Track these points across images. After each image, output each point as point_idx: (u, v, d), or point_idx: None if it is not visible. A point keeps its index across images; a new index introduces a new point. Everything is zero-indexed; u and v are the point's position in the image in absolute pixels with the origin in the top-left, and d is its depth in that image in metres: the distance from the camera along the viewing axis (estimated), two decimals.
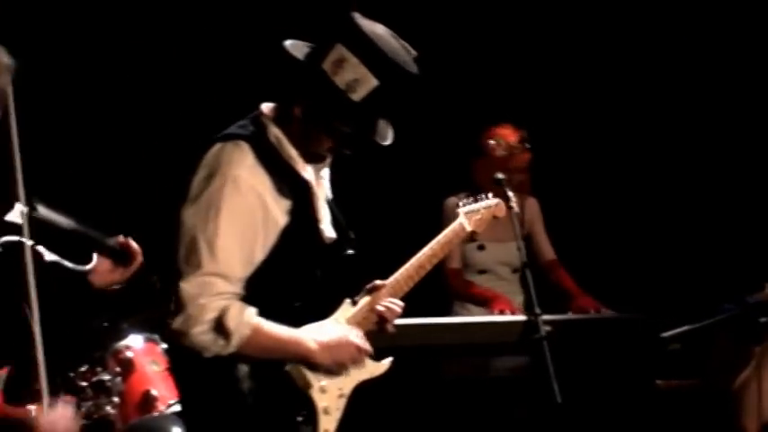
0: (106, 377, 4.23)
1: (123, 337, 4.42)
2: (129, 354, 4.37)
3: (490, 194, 3.87)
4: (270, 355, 3.12)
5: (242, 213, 3.08)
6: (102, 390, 4.20)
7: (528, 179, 5.32)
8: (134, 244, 3.71)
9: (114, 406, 4.22)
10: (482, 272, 5.30)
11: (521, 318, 4.64)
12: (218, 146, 3.16)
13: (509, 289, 5.28)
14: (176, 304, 3.03)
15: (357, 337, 3.23)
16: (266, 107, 3.25)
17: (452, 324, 4.88)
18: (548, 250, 5.37)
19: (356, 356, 3.22)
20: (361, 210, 3.70)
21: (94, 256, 3.66)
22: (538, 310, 4.40)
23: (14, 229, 3.18)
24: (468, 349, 4.78)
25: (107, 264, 3.66)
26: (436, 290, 4.89)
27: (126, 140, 5.70)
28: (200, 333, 3.03)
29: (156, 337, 4.49)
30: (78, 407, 3.96)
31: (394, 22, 3.25)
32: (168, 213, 3.17)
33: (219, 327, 3.03)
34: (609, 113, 6.26)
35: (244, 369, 3.10)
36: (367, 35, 3.13)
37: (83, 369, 4.20)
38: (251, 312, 3.09)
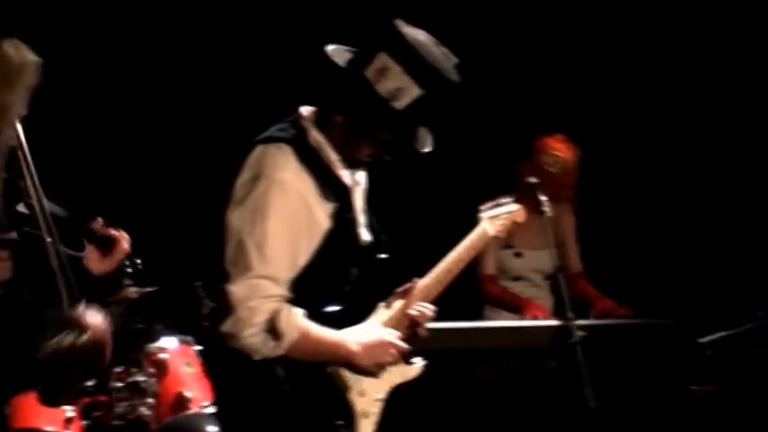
0: (141, 378, 4.24)
1: (157, 338, 4.43)
2: (163, 355, 4.38)
3: (511, 199, 3.87)
4: (314, 357, 3.13)
5: (288, 216, 3.09)
6: (136, 391, 4.21)
7: (574, 195, 5.31)
8: (114, 231, 3.69)
9: (149, 407, 4.22)
10: (517, 278, 5.31)
11: (554, 322, 4.64)
12: (260, 148, 3.17)
13: (540, 294, 5.30)
14: (225, 307, 3.04)
15: (394, 337, 3.24)
16: (305, 110, 3.26)
17: (486, 328, 4.88)
18: (576, 263, 5.39)
19: (394, 356, 3.23)
20: (394, 213, 3.70)
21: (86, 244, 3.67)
22: (570, 315, 4.40)
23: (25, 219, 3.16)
24: (501, 353, 4.78)
25: (96, 252, 3.65)
26: (467, 294, 4.89)
27: (161, 140, 5.72)
28: (251, 336, 3.04)
29: (190, 339, 4.51)
30: (113, 407, 3.97)
31: (436, 25, 3.25)
32: (202, 214, 3.17)
33: (271, 329, 3.05)
34: (646, 118, 6.23)
35: (283, 371, 3.11)
36: (410, 44, 3.12)
37: (118, 370, 4.21)
38: (300, 315, 3.10)
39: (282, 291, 3.08)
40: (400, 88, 3.11)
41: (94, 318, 3.11)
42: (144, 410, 4.23)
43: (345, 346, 3.16)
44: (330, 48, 3.20)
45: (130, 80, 5.66)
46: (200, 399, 4.30)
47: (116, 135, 5.65)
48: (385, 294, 3.35)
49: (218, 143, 3.34)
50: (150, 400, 4.25)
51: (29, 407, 4.00)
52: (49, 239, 3.07)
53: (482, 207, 3.79)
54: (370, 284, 3.29)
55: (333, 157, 3.20)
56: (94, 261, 3.65)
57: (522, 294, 5.24)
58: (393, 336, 3.24)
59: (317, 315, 3.15)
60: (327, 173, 3.19)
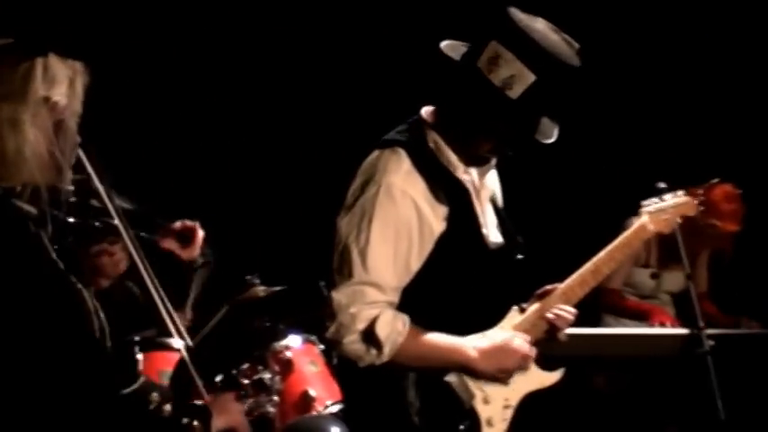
0: (267, 376, 4.28)
1: (282, 337, 4.48)
2: (288, 354, 4.43)
3: (680, 192, 3.65)
4: (428, 363, 3.05)
5: (395, 221, 3.03)
6: (262, 388, 4.25)
7: (731, 249, 5.05)
8: (189, 222, 3.75)
9: (274, 404, 4.27)
10: (646, 297, 5.15)
11: (683, 331, 4.54)
12: (375, 153, 3.13)
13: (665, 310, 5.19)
14: (329, 313, 3.02)
15: (521, 343, 3.13)
16: (426, 111, 3.19)
17: (612, 335, 4.79)
18: (702, 282, 5.19)
19: (520, 362, 3.12)
20: (534, 213, 3.63)
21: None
22: (701, 324, 4.24)
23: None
24: (626, 362, 4.70)
25: (175, 245, 3.71)
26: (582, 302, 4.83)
27: (292, 141, 5.77)
28: (352, 342, 3.00)
29: (314, 338, 4.54)
30: (240, 404, 4.01)
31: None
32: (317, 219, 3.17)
33: (370, 336, 3.00)
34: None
35: (410, 378, 3.06)
36: (521, 29, 3.01)
37: (244, 367, 4.27)
38: (404, 320, 3.04)
39: (387, 297, 3.03)
40: (513, 75, 3.00)
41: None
42: (269, 408, 4.28)
43: (463, 351, 3.08)
44: (445, 43, 3.13)
45: (260, 82, 5.73)
46: (325, 398, 4.33)
47: (247, 135, 5.72)
48: (521, 297, 3.24)
49: (350, 143, 3.33)
50: (275, 398, 4.29)
51: None
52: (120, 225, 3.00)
53: (644, 202, 3.58)
54: (503, 287, 3.19)
55: (452, 157, 3.13)
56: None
57: None
58: (520, 341, 3.13)
59: (441, 321, 3.08)
60: (443, 174, 3.11)
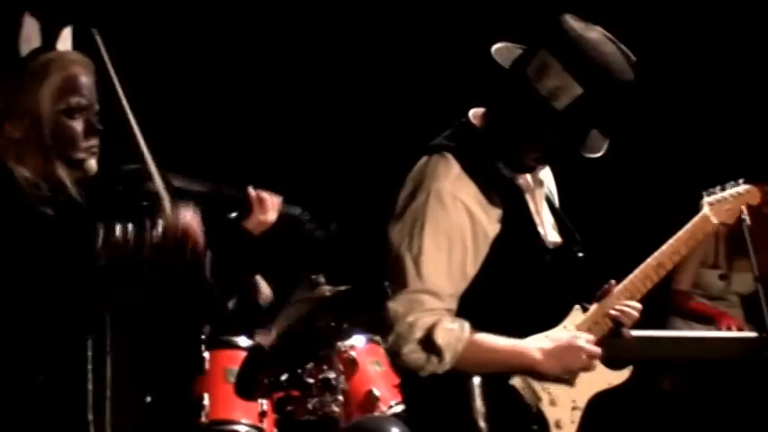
0: (332, 375, 4.28)
1: (347, 336, 4.49)
2: (352, 353, 4.44)
3: (741, 180, 3.56)
4: (491, 368, 3.02)
5: (447, 227, 3.00)
6: (327, 387, 4.25)
7: None
8: (261, 192, 4.03)
9: (338, 404, 4.28)
10: (715, 298, 5.12)
11: (750, 335, 4.49)
12: (423, 159, 3.11)
13: (733, 313, 5.13)
14: (387, 324, 3.01)
15: (585, 342, 3.09)
16: (474, 114, 3.17)
17: (678, 338, 4.76)
18: None
19: (585, 362, 3.08)
20: (594, 209, 3.60)
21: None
22: None
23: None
24: (693, 364, 4.67)
25: (251, 214, 3.98)
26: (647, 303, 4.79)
27: (355, 141, 5.80)
28: (411, 352, 2.98)
29: (378, 338, 4.55)
30: (305, 403, 4.04)
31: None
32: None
33: (429, 344, 2.98)
34: None
35: (475, 382, 3.00)
36: (572, 39, 2.97)
37: (309, 366, 4.28)
38: (463, 326, 3.01)
39: (444, 304, 3.01)
40: (560, 87, 2.96)
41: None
42: (334, 407, 4.28)
43: (526, 353, 3.05)
44: (500, 45, 3.10)
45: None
46: (388, 398, 4.33)
47: (308, 133, 5.76)
48: (583, 296, 3.20)
49: (410, 143, 3.34)
50: (340, 398, 4.30)
51: (225, 399, 4.12)
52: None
53: (705, 192, 3.51)
54: (564, 287, 3.16)
55: (500, 161, 3.10)
56: (254, 222, 3.96)
57: None
58: (584, 340, 3.08)
59: (502, 323, 3.05)
60: (494, 177, 3.08)
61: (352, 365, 4.42)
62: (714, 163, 5.00)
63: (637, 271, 3.26)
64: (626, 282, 3.24)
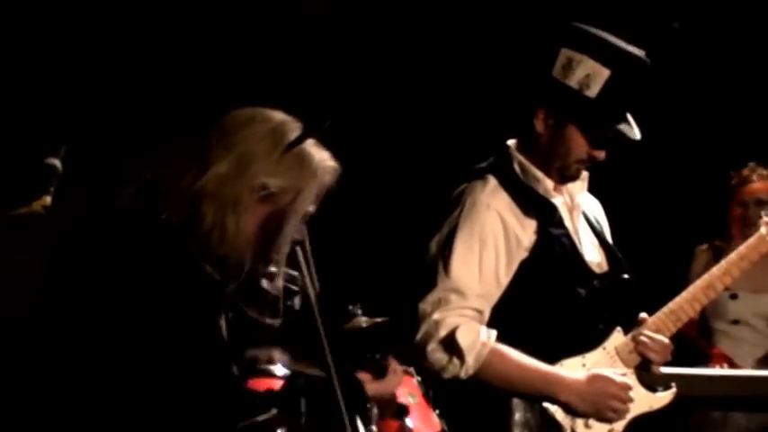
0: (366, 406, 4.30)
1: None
2: None
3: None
4: (515, 385, 3.06)
5: (480, 231, 3.11)
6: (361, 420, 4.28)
7: None
8: (394, 363, 3.58)
9: None
10: (735, 322, 5.05)
11: None
12: (465, 185, 3.23)
13: (762, 342, 5.08)
14: (415, 323, 3.08)
15: (617, 387, 3.08)
16: (512, 141, 3.29)
17: (712, 376, 4.73)
18: None
19: (618, 410, 3.09)
20: (638, 235, 3.58)
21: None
22: None
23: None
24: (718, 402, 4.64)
25: (369, 375, 3.55)
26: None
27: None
28: (434, 351, 3.04)
29: (412, 369, 4.56)
30: None
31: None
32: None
33: (451, 345, 3.02)
34: None
35: (514, 401, 3.06)
36: (590, 33, 3.14)
37: None
38: (488, 333, 3.05)
39: (470, 303, 3.06)
40: (588, 75, 3.10)
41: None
42: None
43: (556, 384, 3.08)
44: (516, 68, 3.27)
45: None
46: (422, 429, 4.34)
47: (346, 164, 5.76)
48: (626, 318, 3.22)
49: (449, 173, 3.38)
50: (374, 429, 4.31)
51: None
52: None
53: (764, 212, 3.47)
54: (606, 307, 3.19)
55: (538, 174, 3.20)
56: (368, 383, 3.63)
57: (740, 339, 5.03)
58: (618, 386, 3.08)
59: (536, 338, 3.09)
60: (530, 193, 3.18)
61: None
62: None
63: (685, 292, 3.27)
64: (671, 305, 3.25)
